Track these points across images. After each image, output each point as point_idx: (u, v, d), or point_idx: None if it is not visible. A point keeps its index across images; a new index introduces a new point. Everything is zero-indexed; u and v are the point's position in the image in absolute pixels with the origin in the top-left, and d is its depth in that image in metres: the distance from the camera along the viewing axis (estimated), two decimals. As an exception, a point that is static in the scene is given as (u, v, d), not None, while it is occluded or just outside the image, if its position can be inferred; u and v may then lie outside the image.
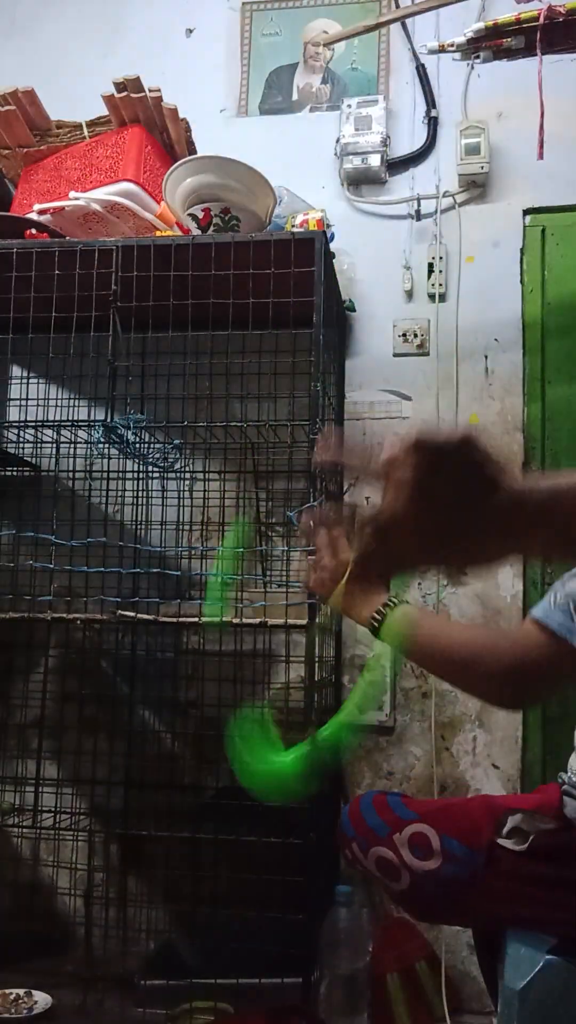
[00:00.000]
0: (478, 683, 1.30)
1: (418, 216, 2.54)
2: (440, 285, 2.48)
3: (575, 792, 1.33)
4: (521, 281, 2.47)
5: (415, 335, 2.48)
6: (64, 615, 2.12)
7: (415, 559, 0.72)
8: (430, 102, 2.60)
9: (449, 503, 0.68)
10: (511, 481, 0.68)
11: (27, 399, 2.29)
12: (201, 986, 1.95)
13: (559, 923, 1.24)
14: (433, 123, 2.59)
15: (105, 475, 2.34)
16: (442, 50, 2.20)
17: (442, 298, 2.49)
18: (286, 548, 2.40)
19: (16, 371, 2.42)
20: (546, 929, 1.25)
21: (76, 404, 2.36)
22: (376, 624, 1.33)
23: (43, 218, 2.24)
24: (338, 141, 2.57)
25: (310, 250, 2.04)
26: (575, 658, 1.22)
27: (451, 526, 0.69)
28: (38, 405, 2.32)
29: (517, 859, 1.28)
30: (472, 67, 2.53)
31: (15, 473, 2.52)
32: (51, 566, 2.10)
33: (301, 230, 2.15)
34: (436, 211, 2.53)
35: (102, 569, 2.12)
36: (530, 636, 1.25)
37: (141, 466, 2.31)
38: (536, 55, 2.01)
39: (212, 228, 2.15)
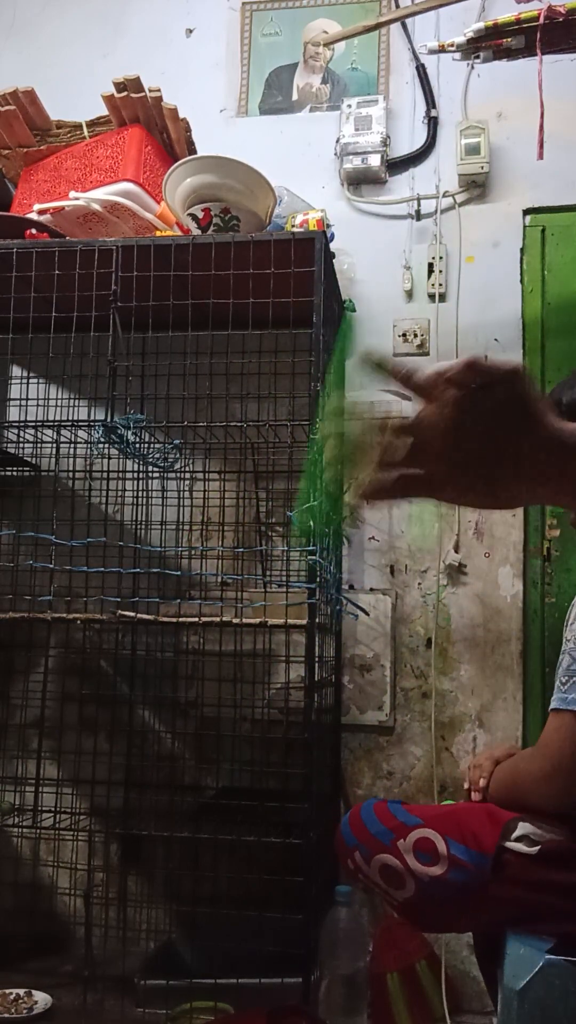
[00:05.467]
0: (534, 801, 1.29)
1: (418, 216, 2.54)
2: (440, 285, 2.48)
3: None
4: (521, 281, 2.47)
5: (415, 335, 2.48)
6: (64, 615, 2.12)
7: (439, 483, 0.68)
8: (430, 102, 2.60)
9: (490, 431, 0.65)
10: (553, 421, 0.66)
11: (27, 399, 2.28)
12: (201, 986, 1.94)
13: (567, 929, 1.24)
14: (433, 123, 2.59)
15: (105, 475, 2.34)
16: (442, 50, 2.20)
17: (442, 298, 2.49)
18: (286, 548, 2.41)
19: (16, 371, 2.43)
20: (552, 933, 1.24)
21: (76, 404, 2.36)
22: None
23: (43, 218, 2.24)
24: (338, 141, 2.57)
25: (310, 250, 2.04)
26: None
27: (487, 455, 0.66)
28: (38, 405, 2.32)
29: (525, 864, 1.27)
30: (472, 67, 2.54)
31: (15, 473, 2.52)
32: (51, 566, 2.10)
33: (301, 230, 2.15)
34: (436, 211, 2.53)
35: (102, 569, 2.12)
36: (562, 728, 1.24)
37: (141, 466, 2.31)
38: (536, 55, 2.01)
39: (212, 228, 2.15)
